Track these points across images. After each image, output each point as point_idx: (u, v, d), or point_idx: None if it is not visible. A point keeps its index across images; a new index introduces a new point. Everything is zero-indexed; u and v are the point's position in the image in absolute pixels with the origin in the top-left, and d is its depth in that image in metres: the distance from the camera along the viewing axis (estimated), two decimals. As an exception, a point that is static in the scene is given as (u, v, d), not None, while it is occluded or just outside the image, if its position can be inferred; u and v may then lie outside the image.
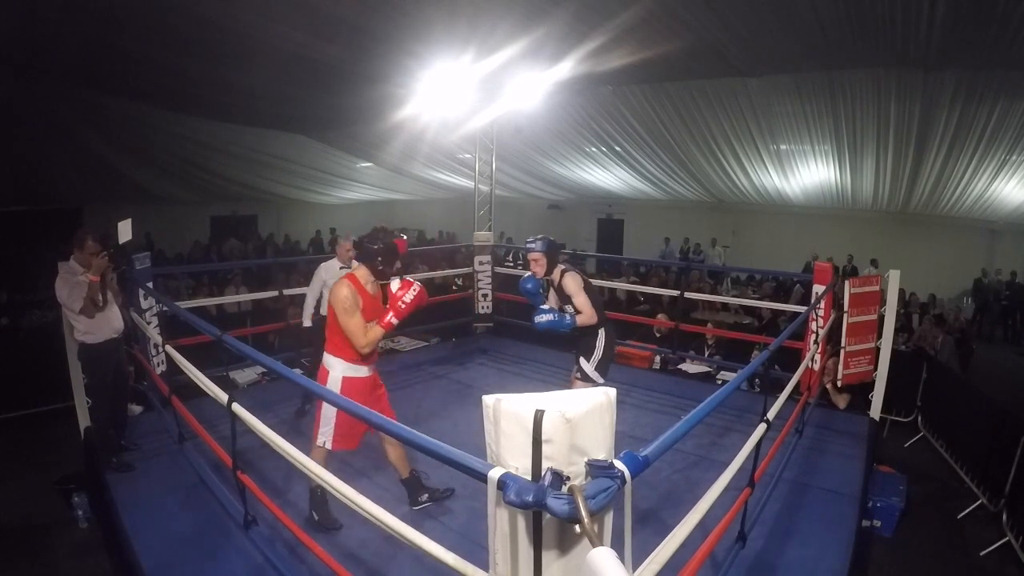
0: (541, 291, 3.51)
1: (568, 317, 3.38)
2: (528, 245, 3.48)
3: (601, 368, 3.49)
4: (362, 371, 2.85)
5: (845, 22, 5.32)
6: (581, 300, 3.39)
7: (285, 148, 11.38)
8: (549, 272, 3.46)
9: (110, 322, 3.58)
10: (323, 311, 4.23)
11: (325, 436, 2.82)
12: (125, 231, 3.92)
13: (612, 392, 1.40)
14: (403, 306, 2.71)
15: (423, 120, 8.38)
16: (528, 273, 3.52)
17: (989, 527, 4.08)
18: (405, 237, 2.99)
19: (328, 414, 2.80)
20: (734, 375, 2.70)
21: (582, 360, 3.51)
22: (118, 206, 10.95)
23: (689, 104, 8.41)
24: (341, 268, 4.38)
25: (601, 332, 3.48)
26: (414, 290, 2.74)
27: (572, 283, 3.40)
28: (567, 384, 4.99)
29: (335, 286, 2.81)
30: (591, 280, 3.68)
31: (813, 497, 3.37)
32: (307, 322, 4.55)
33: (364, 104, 8.54)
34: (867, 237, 11.74)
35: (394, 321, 2.73)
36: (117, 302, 3.71)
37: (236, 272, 9.53)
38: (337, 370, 2.81)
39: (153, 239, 12.61)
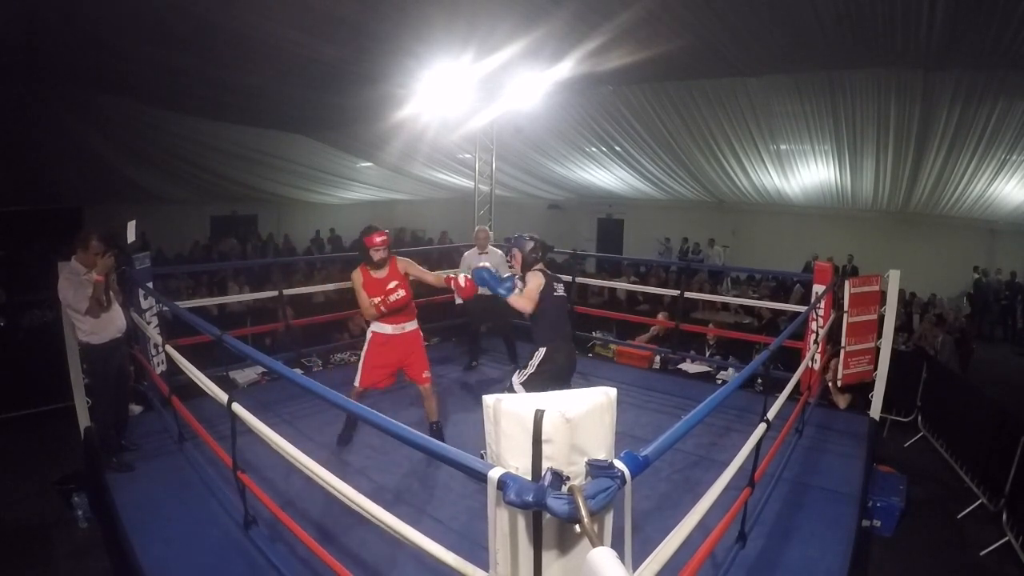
0: (499, 280, 3.30)
1: (507, 285, 3.24)
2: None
3: (530, 385, 3.28)
4: (386, 328, 3.73)
5: (845, 22, 5.31)
6: (530, 288, 3.29)
7: (285, 148, 11.38)
8: (524, 271, 3.44)
9: (114, 322, 3.59)
10: None
11: (357, 376, 3.75)
12: (131, 231, 4.04)
13: (612, 392, 1.40)
14: (384, 307, 3.62)
15: (423, 120, 8.37)
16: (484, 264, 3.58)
17: (989, 527, 4.08)
18: (378, 229, 3.74)
19: (361, 358, 3.76)
20: (734, 375, 2.70)
21: (516, 371, 3.43)
22: (118, 206, 10.97)
23: (689, 104, 8.41)
24: (480, 254, 5.43)
25: (541, 351, 3.31)
26: (395, 296, 3.63)
27: (530, 280, 3.34)
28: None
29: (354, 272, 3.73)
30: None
31: (813, 497, 3.37)
32: (459, 300, 5.34)
33: (364, 104, 8.54)
34: (867, 237, 11.74)
35: (383, 309, 3.63)
36: (118, 301, 3.73)
37: (235, 271, 9.49)
38: (371, 327, 3.77)
39: (150, 239, 12.58)
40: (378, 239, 3.67)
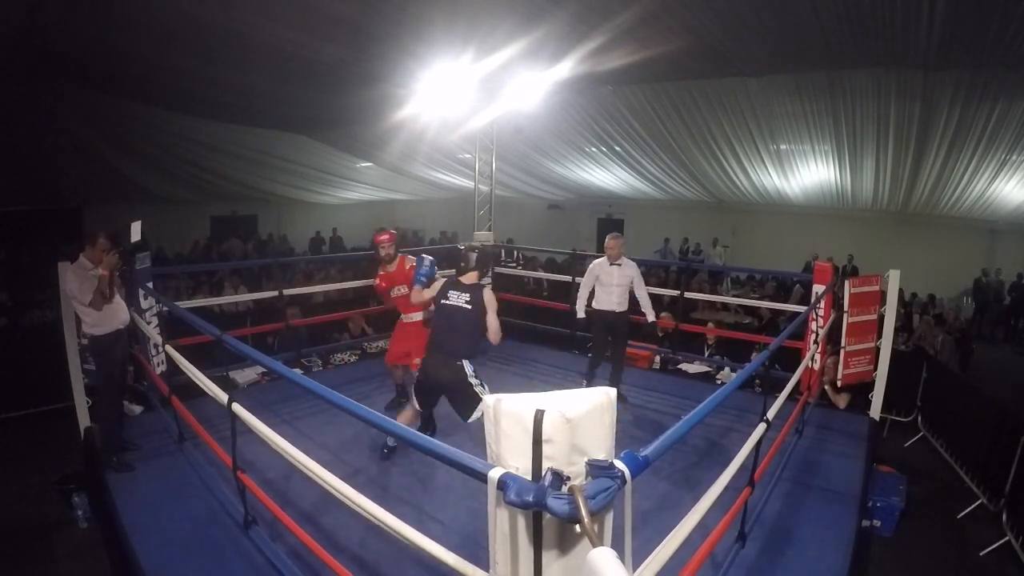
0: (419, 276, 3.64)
1: (421, 281, 3.60)
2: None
3: (415, 395, 3.49)
4: (401, 315, 4.34)
5: (845, 22, 5.32)
6: (425, 291, 3.59)
7: (285, 148, 11.38)
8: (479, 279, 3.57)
9: (116, 314, 3.69)
10: (595, 304, 4.66)
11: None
12: (135, 231, 4.11)
13: (612, 392, 1.40)
14: (387, 299, 4.37)
15: (423, 120, 8.37)
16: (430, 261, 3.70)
17: (989, 527, 4.08)
18: (386, 229, 4.35)
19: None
20: (734, 375, 2.70)
21: None
22: (118, 206, 10.96)
23: (689, 104, 8.41)
24: (612, 264, 4.57)
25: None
26: (396, 292, 4.27)
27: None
28: (567, 384, 5.00)
29: None
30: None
31: (813, 497, 3.37)
32: (580, 313, 4.79)
33: (364, 104, 8.54)
34: (867, 237, 11.75)
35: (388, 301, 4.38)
36: (121, 295, 3.82)
37: (228, 272, 9.47)
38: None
39: (150, 239, 12.55)
40: (381, 237, 4.25)
